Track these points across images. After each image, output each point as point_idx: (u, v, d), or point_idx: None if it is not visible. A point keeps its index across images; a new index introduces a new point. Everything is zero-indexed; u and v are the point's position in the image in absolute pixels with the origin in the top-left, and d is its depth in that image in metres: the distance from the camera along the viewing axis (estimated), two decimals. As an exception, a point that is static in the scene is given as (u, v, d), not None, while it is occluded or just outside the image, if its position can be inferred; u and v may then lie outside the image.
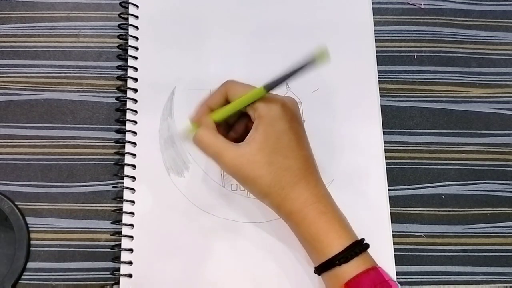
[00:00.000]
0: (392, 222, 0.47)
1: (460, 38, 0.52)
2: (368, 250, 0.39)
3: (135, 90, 0.48)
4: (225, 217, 0.46)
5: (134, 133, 0.47)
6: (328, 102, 0.49)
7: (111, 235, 0.46)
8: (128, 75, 0.48)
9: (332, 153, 0.47)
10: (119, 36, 0.50)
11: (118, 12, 0.50)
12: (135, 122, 0.47)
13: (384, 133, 0.49)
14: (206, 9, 0.50)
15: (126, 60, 0.49)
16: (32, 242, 0.46)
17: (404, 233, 0.48)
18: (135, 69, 0.48)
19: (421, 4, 0.53)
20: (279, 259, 0.45)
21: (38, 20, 0.50)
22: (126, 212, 0.45)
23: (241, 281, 0.45)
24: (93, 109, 0.49)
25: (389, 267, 0.45)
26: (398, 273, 0.46)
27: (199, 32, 0.50)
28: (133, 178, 0.46)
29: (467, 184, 0.49)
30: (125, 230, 0.45)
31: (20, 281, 0.45)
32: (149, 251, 0.45)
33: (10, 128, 0.48)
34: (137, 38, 0.49)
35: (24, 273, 0.45)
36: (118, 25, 0.50)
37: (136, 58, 0.48)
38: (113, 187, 0.47)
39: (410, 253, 0.47)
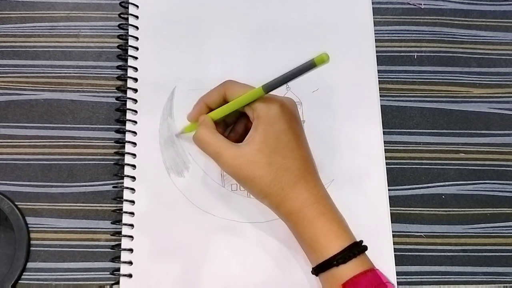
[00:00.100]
0: (392, 222, 0.46)
1: (460, 38, 0.52)
2: (368, 250, 0.39)
3: (135, 90, 0.48)
4: (225, 217, 0.46)
5: (134, 133, 0.47)
6: (328, 102, 0.49)
7: (111, 235, 0.46)
8: (128, 75, 0.48)
9: (332, 153, 0.47)
10: (119, 36, 0.50)
11: (118, 12, 0.50)
12: (135, 122, 0.47)
13: (384, 133, 0.49)
14: (206, 9, 0.50)
15: (126, 60, 0.49)
16: (32, 242, 0.46)
17: (404, 233, 0.48)
18: (135, 69, 0.48)
19: (421, 4, 0.53)
20: (278, 259, 0.45)
21: (38, 20, 0.50)
22: (126, 212, 0.45)
23: (241, 281, 0.45)
24: (93, 109, 0.49)
25: (389, 267, 0.45)
26: (398, 273, 0.46)
27: (199, 32, 0.50)
28: (133, 178, 0.46)
29: (467, 184, 0.49)
30: (125, 230, 0.45)
31: (20, 281, 0.45)
32: (149, 251, 0.45)
33: (10, 128, 0.48)
34: (137, 38, 0.49)
35: (24, 273, 0.45)
36: (118, 25, 0.50)
37: (136, 58, 0.48)
38: (113, 187, 0.47)
39: (410, 253, 0.47)
